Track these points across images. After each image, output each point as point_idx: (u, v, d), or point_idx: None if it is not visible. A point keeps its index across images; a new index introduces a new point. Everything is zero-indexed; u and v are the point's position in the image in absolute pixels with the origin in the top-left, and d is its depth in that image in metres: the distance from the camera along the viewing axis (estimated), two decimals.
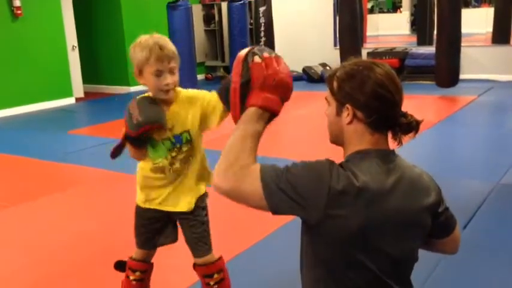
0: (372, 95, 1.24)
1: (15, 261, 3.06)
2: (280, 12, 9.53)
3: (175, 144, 1.96)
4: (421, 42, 9.94)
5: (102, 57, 9.73)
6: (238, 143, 1.27)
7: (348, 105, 1.27)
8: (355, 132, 1.28)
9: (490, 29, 9.11)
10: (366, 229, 1.21)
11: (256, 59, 1.33)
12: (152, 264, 2.21)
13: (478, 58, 8.62)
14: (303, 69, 9.49)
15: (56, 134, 6.49)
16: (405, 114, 1.29)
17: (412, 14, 12.14)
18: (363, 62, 1.31)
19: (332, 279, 1.27)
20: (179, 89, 1.97)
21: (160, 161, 1.97)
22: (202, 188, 2.09)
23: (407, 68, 8.59)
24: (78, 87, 9.09)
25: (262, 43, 8.53)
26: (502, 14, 8.94)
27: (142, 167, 2.04)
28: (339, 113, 1.30)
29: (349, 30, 7.88)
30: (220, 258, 2.12)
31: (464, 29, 7.20)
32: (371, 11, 11.97)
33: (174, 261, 2.64)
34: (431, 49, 8.21)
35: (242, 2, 9.37)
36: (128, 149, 1.94)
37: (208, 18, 10.90)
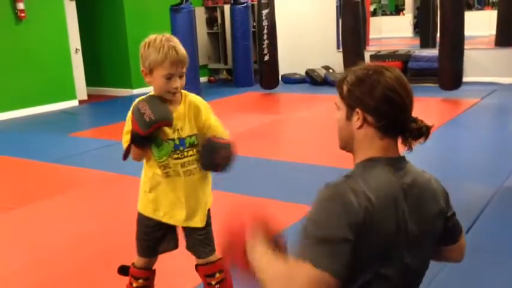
0: (382, 99, 1.24)
1: (17, 261, 3.07)
2: (283, 15, 9.54)
3: (178, 147, 1.96)
4: (424, 44, 9.92)
5: (105, 60, 9.75)
6: (268, 273, 1.18)
7: (358, 110, 1.26)
8: (365, 137, 1.27)
9: (493, 31, 9.10)
10: (387, 241, 1.19)
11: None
12: (154, 270, 2.21)
13: (481, 61, 8.60)
14: (306, 72, 9.49)
15: (59, 136, 6.50)
16: (415, 120, 1.28)
17: (415, 17, 12.14)
18: (372, 67, 1.30)
19: None
20: (184, 91, 1.99)
21: (165, 159, 1.97)
22: (209, 200, 2.11)
23: (410, 70, 8.58)
24: (82, 90, 9.11)
25: (265, 46, 8.53)
26: (505, 16, 8.92)
27: (149, 170, 2.04)
28: (349, 117, 1.29)
29: (352, 32, 7.88)
30: (221, 258, 2.11)
31: (467, 32, 7.19)
32: (374, 13, 11.96)
33: (176, 264, 2.64)
34: (434, 52, 8.19)
35: (245, 4, 9.39)
36: (125, 151, 1.95)
37: (211, 21, 10.91)
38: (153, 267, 2.20)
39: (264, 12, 8.47)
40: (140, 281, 2.16)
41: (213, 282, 2.10)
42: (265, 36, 8.53)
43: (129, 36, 9.21)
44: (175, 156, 1.97)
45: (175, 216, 2.04)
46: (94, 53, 9.69)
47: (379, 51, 9.48)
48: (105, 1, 9.42)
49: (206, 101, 2.06)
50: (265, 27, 8.50)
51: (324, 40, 9.74)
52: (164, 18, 8.65)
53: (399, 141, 1.30)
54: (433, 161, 4.49)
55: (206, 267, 2.09)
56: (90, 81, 9.44)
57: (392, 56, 9.06)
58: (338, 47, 9.49)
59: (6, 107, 7.82)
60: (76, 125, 7.44)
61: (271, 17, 8.52)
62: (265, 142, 5.75)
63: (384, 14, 12.58)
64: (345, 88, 1.30)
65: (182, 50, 1.89)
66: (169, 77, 1.86)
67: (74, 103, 8.71)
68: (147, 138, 1.90)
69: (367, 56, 8.76)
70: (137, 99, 1.95)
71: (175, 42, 1.89)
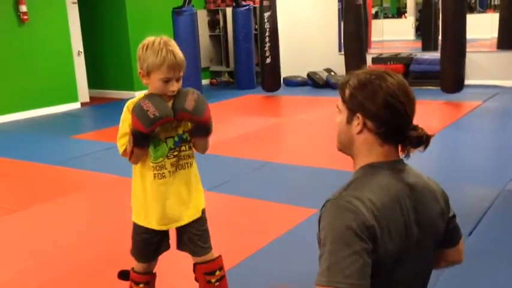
0: (383, 105, 1.22)
1: (20, 264, 3.07)
2: (285, 18, 9.55)
3: (178, 143, 1.99)
4: (426, 47, 9.92)
5: (107, 63, 9.77)
6: None
7: (358, 114, 1.25)
8: (364, 142, 1.27)
9: (495, 34, 9.08)
10: (397, 244, 1.19)
11: None
12: (155, 274, 2.21)
13: (483, 64, 8.60)
14: (308, 75, 9.49)
15: (61, 138, 6.50)
16: (416, 127, 1.27)
17: (417, 20, 12.12)
18: (375, 71, 1.29)
19: None
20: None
21: (161, 160, 1.97)
22: (202, 199, 2.12)
23: (412, 73, 8.58)
24: (84, 92, 9.13)
25: (267, 49, 8.54)
26: (507, 19, 8.91)
27: (141, 176, 2.03)
28: (349, 121, 1.28)
29: (354, 35, 7.88)
30: (220, 256, 2.14)
31: (469, 35, 7.18)
32: (375, 16, 11.94)
33: (177, 266, 2.64)
34: (436, 54, 8.19)
35: (247, 7, 9.40)
36: (128, 153, 1.94)
37: (213, 24, 10.92)
38: (154, 271, 2.20)
39: (266, 14, 8.48)
40: (141, 285, 2.16)
41: (213, 280, 2.10)
42: (267, 39, 8.54)
43: (131, 38, 9.23)
44: (171, 155, 1.98)
45: (173, 217, 2.04)
46: (96, 56, 9.70)
47: (381, 54, 9.47)
48: (108, 4, 9.45)
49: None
50: (267, 29, 8.51)
51: (326, 43, 9.75)
52: (166, 21, 8.66)
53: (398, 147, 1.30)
54: (435, 164, 4.48)
55: (207, 265, 2.10)
56: (92, 83, 9.46)
57: (394, 58, 9.06)
58: (340, 50, 9.50)
59: (9, 109, 7.83)
60: (78, 127, 7.45)
61: (273, 19, 8.53)
62: (266, 145, 5.75)
63: (386, 16, 12.56)
64: (347, 92, 1.29)
65: (180, 54, 1.90)
66: (166, 81, 1.88)
67: (76, 105, 8.72)
68: (148, 137, 1.90)
69: (368, 58, 8.75)
70: (129, 101, 1.97)
71: (173, 45, 1.90)
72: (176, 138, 1.98)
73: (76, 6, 8.91)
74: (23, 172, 5.11)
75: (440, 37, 7.74)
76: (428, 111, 6.63)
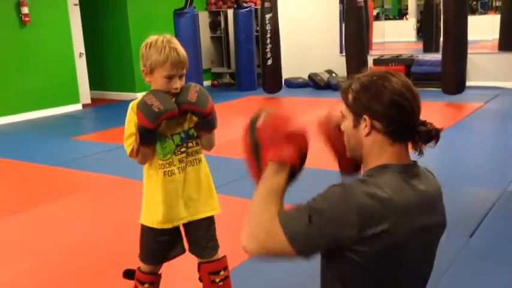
0: (389, 103, 1.22)
1: (21, 265, 3.07)
2: (286, 19, 9.55)
3: (184, 139, 2.00)
4: (428, 49, 9.92)
5: (109, 64, 9.78)
6: (258, 204, 1.25)
7: (365, 116, 1.25)
8: (374, 144, 1.26)
9: (497, 36, 9.08)
10: (398, 247, 1.18)
11: (260, 121, 1.32)
12: (160, 275, 2.21)
13: (484, 65, 8.60)
14: (309, 76, 9.49)
15: (62, 140, 6.51)
16: (424, 123, 1.26)
17: (418, 21, 12.12)
18: (377, 72, 1.28)
19: None
20: None
21: (169, 157, 1.98)
22: (215, 200, 2.12)
23: (413, 74, 8.58)
24: (85, 94, 9.14)
25: (268, 50, 8.55)
26: (508, 21, 8.91)
27: (151, 176, 2.03)
28: (356, 125, 1.27)
29: (355, 37, 7.88)
30: (225, 256, 2.15)
31: (470, 36, 7.19)
32: (377, 17, 11.95)
33: (181, 267, 2.64)
34: (437, 56, 8.19)
35: (248, 9, 9.41)
36: (135, 152, 1.94)
37: (214, 25, 10.94)
38: (159, 272, 2.21)
39: (267, 16, 8.49)
40: (146, 285, 2.16)
41: (217, 280, 2.11)
42: (268, 41, 8.54)
43: (132, 40, 9.24)
44: (179, 151, 1.98)
45: (181, 213, 2.04)
46: (98, 57, 9.72)
47: (382, 56, 9.48)
48: (109, 5, 9.46)
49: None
50: (268, 31, 8.51)
51: (327, 44, 9.75)
52: (168, 23, 8.67)
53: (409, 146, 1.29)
54: (437, 165, 4.46)
55: (212, 265, 2.10)
56: (93, 85, 9.47)
57: (396, 60, 9.07)
58: (341, 51, 9.50)
59: (10, 110, 7.84)
60: (79, 128, 7.46)
61: (275, 21, 8.53)
62: None
63: (387, 18, 12.55)
64: (350, 96, 1.28)
65: (183, 51, 1.91)
66: (170, 77, 1.89)
67: (77, 107, 8.73)
68: (154, 133, 1.90)
69: (370, 60, 8.76)
70: (133, 102, 1.97)
71: (176, 43, 1.92)
72: (182, 135, 1.99)
73: (78, 8, 8.92)
74: (24, 173, 5.11)
75: (441, 38, 7.74)
76: (430, 113, 6.57)
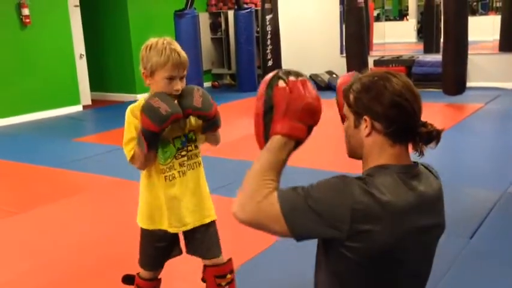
0: (390, 104, 1.22)
1: (22, 266, 3.07)
2: (286, 20, 9.56)
3: (185, 143, 2.00)
4: (428, 50, 9.92)
5: (109, 65, 9.79)
6: (258, 174, 1.24)
7: (366, 117, 1.25)
8: (374, 144, 1.26)
9: (497, 36, 9.09)
10: (393, 247, 1.18)
11: (281, 83, 1.28)
12: (160, 279, 2.21)
13: (485, 66, 8.59)
14: (310, 77, 9.49)
15: (63, 141, 6.52)
16: (425, 124, 1.26)
17: (418, 22, 12.12)
18: (378, 73, 1.28)
19: None
20: None
21: (170, 161, 1.97)
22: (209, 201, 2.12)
23: (414, 75, 8.58)
24: (86, 95, 9.15)
25: (268, 51, 8.55)
26: (509, 22, 8.91)
27: (149, 180, 2.02)
28: (357, 125, 1.28)
29: (356, 38, 7.89)
30: (231, 259, 2.14)
31: (471, 37, 7.18)
32: (377, 18, 11.96)
33: (182, 270, 2.64)
34: (438, 57, 8.19)
35: (249, 10, 9.42)
36: (136, 157, 1.93)
37: (214, 26, 10.95)
38: (159, 277, 2.20)
39: (268, 17, 8.50)
40: None
41: (223, 283, 2.10)
42: (268, 42, 8.56)
43: (133, 41, 9.24)
44: (179, 155, 1.98)
45: (185, 219, 2.03)
46: (98, 59, 9.73)
47: (382, 57, 9.48)
48: (110, 6, 9.47)
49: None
50: (269, 32, 8.53)
51: (328, 45, 9.76)
52: (168, 24, 8.68)
53: (409, 147, 1.29)
54: (437, 166, 4.45)
55: (218, 268, 2.09)
56: (94, 86, 9.48)
57: (396, 61, 9.07)
58: (341, 52, 9.51)
59: (11, 112, 7.85)
60: (80, 130, 7.47)
61: (275, 22, 8.55)
62: None
63: (388, 19, 12.57)
64: (351, 96, 1.28)
65: (183, 53, 1.91)
66: (171, 79, 1.88)
67: (78, 108, 8.74)
68: (158, 137, 1.88)
69: (370, 61, 8.76)
70: (131, 105, 1.97)
71: (176, 45, 1.92)
72: (183, 138, 1.99)
73: (78, 10, 8.93)
74: (25, 174, 5.11)
75: (442, 39, 7.74)
76: (430, 114, 6.57)
